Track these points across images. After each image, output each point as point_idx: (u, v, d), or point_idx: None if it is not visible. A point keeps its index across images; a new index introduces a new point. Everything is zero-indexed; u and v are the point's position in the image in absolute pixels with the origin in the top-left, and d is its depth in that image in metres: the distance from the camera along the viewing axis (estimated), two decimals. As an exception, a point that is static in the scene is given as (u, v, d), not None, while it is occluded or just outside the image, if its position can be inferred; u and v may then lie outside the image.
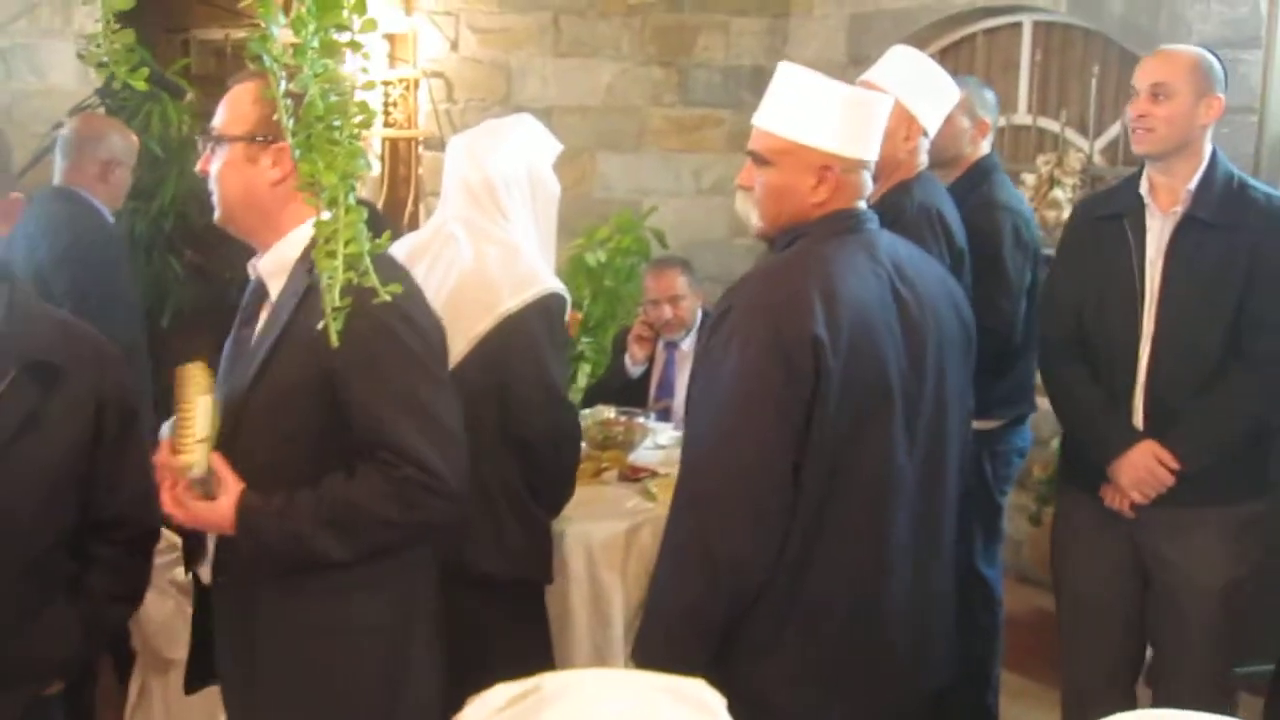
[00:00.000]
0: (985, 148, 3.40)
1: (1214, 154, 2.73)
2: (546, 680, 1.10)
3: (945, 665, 2.39)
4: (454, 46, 5.54)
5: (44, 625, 1.92)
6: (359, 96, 1.54)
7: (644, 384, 4.16)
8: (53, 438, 1.87)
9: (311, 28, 1.45)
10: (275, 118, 1.60)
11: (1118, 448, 2.72)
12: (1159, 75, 2.69)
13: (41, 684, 1.97)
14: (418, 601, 2.12)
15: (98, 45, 1.57)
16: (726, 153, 5.74)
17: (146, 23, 1.81)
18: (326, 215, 1.53)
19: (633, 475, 3.36)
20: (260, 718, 2.11)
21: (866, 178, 2.24)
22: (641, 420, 3.66)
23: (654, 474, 3.34)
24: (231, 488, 1.93)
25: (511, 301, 2.57)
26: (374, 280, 1.54)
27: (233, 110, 2.02)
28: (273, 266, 2.04)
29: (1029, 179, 4.64)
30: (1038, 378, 3.23)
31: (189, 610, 2.29)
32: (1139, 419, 2.73)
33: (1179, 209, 2.70)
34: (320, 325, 1.60)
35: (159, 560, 2.19)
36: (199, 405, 1.92)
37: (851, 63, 5.17)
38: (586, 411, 3.73)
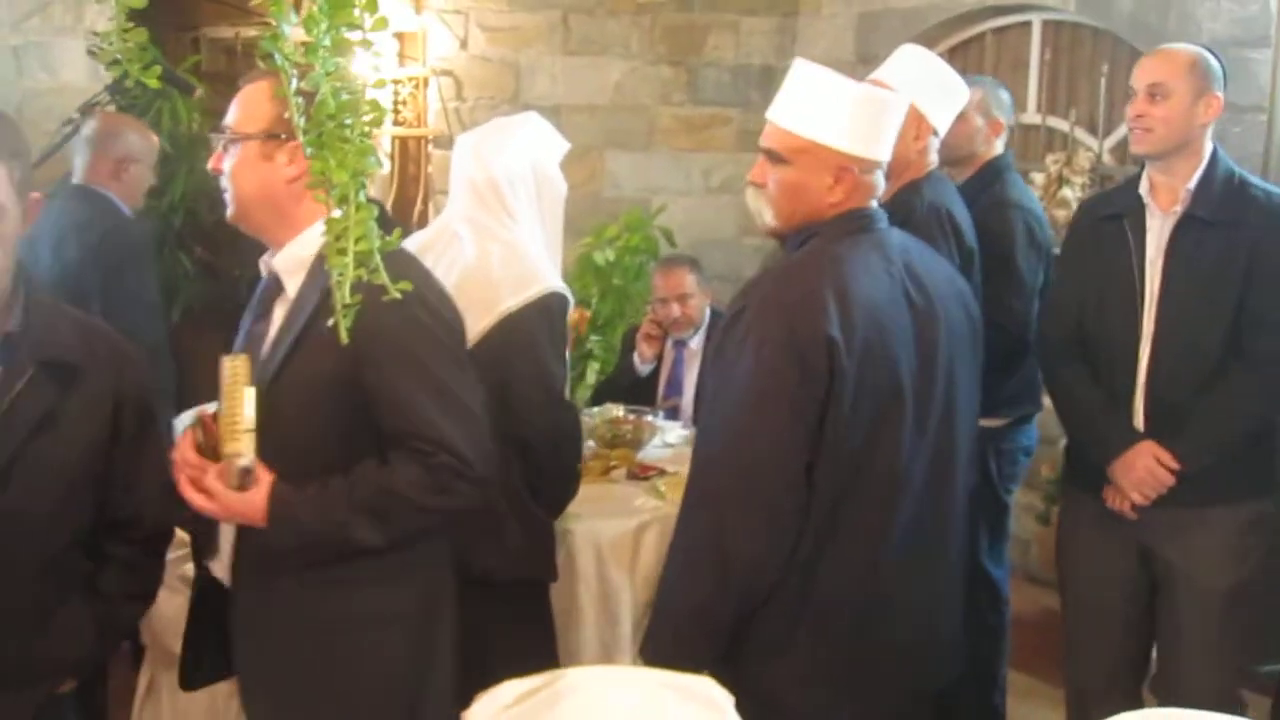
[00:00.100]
0: (999, 147, 3.40)
1: (1214, 152, 2.71)
2: (554, 677, 1.10)
3: (953, 665, 2.39)
4: (463, 45, 5.54)
5: (59, 624, 1.92)
6: (370, 95, 1.55)
7: (652, 382, 4.16)
8: (70, 437, 1.87)
9: (323, 26, 1.46)
10: (289, 115, 1.61)
11: (1118, 448, 2.71)
12: (1156, 75, 2.68)
13: (55, 682, 1.96)
14: (442, 589, 2.15)
15: (110, 43, 1.57)
16: (735, 152, 5.74)
17: (157, 20, 1.82)
18: (337, 213, 1.54)
19: (641, 473, 3.36)
20: (287, 716, 2.10)
21: (880, 178, 2.24)
22: (650, 419, 3.67)
23: (662, 472, 3.35)
24: (263, 478, 1.94)
25: (511, 301, 2.57)
26: (384, 278, 1.55)
27: (248, 108, 2.02)
28: (289, 263, 2.04)
29: (1038, 178, 4.63)
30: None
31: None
32: (1139, 419, 2.72)
33: (1179, 208, 2.69)
34: (330, 322, 1.60)
35: (169, 556, 2.19)
36: (245, 396, 1.92)
37: (860, 61, 5.17)
38: (595, 410, 3.74)
